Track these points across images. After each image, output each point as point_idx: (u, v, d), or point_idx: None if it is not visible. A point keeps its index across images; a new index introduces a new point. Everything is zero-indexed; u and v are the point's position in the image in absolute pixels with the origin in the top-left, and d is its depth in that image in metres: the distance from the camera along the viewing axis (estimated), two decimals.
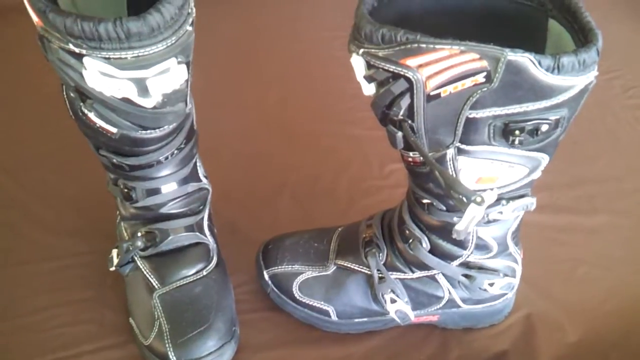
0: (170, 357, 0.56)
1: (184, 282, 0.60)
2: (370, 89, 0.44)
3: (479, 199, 0.41)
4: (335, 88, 0.94)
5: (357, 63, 0.43)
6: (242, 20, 1.13)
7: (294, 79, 0.99)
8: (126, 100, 0.46)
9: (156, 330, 0.58)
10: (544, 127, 0.43)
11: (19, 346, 0.61)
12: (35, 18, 0.44)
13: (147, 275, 0.60)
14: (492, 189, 0.48)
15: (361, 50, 0.42)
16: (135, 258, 0.61)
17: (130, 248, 0.60)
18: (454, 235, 0.45)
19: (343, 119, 0.90)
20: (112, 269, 0.61)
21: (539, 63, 0.38)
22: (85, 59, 0.43)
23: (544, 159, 0.47)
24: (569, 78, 0.40)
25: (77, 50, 0.42)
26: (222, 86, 0.94)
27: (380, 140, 0.48)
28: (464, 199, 0.41)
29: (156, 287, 0.59)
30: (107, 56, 0.42)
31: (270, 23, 1.13)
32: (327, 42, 1.04)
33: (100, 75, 0.43)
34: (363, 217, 0.64)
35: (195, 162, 0.61)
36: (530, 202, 0.51)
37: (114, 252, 0.62)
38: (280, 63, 1.03)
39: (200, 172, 0.62)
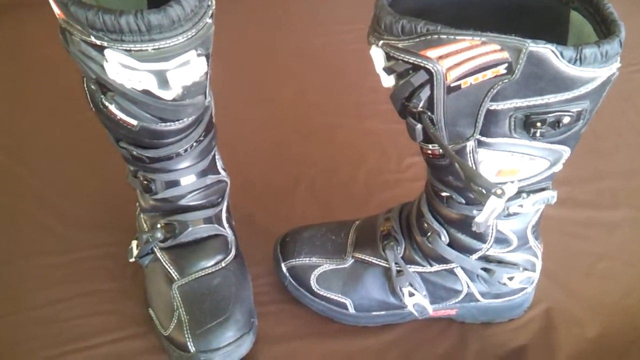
0: (190, 347, 0.56)
1: (203, 274, 0.60)
2: (390, 80, 0.43)
3: (499, 191, 0.40)
4: (353, 81, 0.94)
5: (377, 55, 0.43)
6: (259, 14, 1.13)
7: (311, 72, 0.99)
8: (146, 93, 0.46)
9: (175, 320, 0.58)
10: (566, 119, 0.42)
11: (39, 337, 0.62)
12: (57, 10, 0.44)
13: (167, 267, 0.60)
14: (512, 182, 0.48)
15: (381, 42, 0.42)
16: (155, 249, 0.61)
17: (150, 239, 0.60)
18: (474, 228, 0.45)
19: (360, 112, 0.90)
20: (132, 260, 0.62)
21: (561, 54, 0.38)
22: (106, 51, 0.43)
23: (566, 151, 0.46)
24: (591, 70, 0.39)
25: (98, 42, 0.42)
26: (239, 80, 0.94)
27: (398, 134, 0.48)
28: (484, 191, 0.41)
29: (175, 278, 0.60)
30: (128, 48, 0.43)
31: (287, 17, 1.13)
32: (344, 35, 1.04)
33: (121, 67, 0.44)
34: (381, 211, 0.64)
35: (214, 155, 0.61)
36: (551, 195, 0.51)
37: (134, 243, 0.62)
38: (297, 57, 1.03)
39: (219, 164, 0.63)
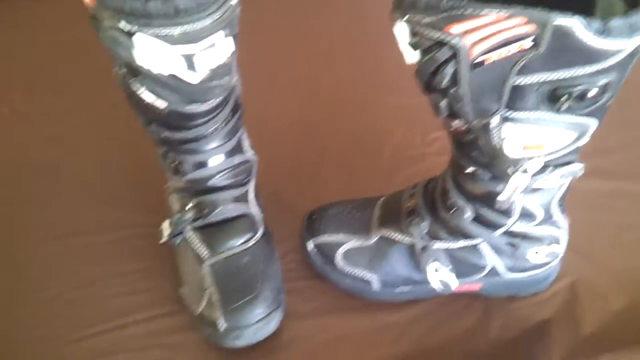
0: (219, 325, 0.58)
1: (232, 253, 0.61)
2: (415, 56, 0.44)
3: (524, 167, 0.41)
4: (378, 57, 0.94)
5: (401, 30, 0.43)
6: None
7: (336, 48, 0.98)
8: (174, 76, 0.47)
9: (206, 299, 0.59)
10: (592, 92, 0.42)
11: (75, 315, 0.64)
12: None
13: (197, 246, 0.62)
14: (538, 157, 0.48)
15: (405, 18, 0.42)
16: (186, 229, 0.62)
17: (181, 220, 0.61)
18: (498, 205, 0.45)
19: (387, 87, 0.90)
20: (163, 240, 0.63)
21: (588, 26, 0.38)
22: (135, 36, 0.44)
23: (593, 124, 0.46)
24: (619, 41, 0.39)
25: (127, 27, 0.43)
26: (264, 58, 0.94)
27: (423, 109, 0.48)
28: (509, 167, 0.41)
29: (205, 257, 0.61)
30: (156, 32, 0.43)
31: None
32: (374, 8, 1.03)
33: (150, 51, 0.44)
34: (407, 185, 0.65)
35: (241, 134, 0.62)
36: (578, 167, 0.51)
37: (165, 224, 0.64)
38: (323, 32, 1.02)
39: (246, 144, 0.63)
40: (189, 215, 0.61)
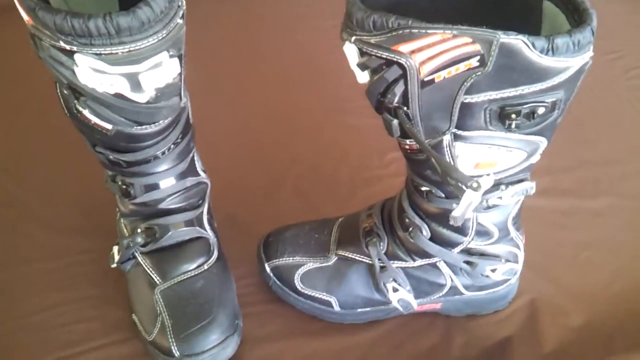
0: (174, 351, 0.56)
1: (185, 277, 0.60)
2: (364, 76, 0.43)
3: (475, 185, 0.40)
4: (335, 78, 0.93)
5: (350, 51, 0.43)
6: (242, 13, 1.12)
7: (293, 69, 0.99)
8: (119, 96, 0.46)
9: (159, 325, 0.58)
10: (541, 110, 0.42)
11: (24, 345, 0.62)
12: (25, 16, 0.43)
13: (148, 271, 0.60)
14: (489, 174, 0.48)
15: (353, 38, 0.41)
16: (136, 254, 0.61)
17: (131, 244, 0.59)
18: (451, 222, 0.45)
19: (342, 108, 0.90)
20: (114, 265, 0.61)
21: (533, 45, 0.38)
22: (76, 56, 0.42)
23: (542, 142, 0.46)
24: (564, 59, 0.39)
25: (67, 47, 0.42)
26: (221, 79, 0.94)
27: (379, 129, 0.48)
28: (460, 185, 0.41)
29: (158, 282, 0.59)
30: (98, 52, 0.42)
31: (270, 13, 1.13)
32: (327, 31, 1.03)
33: (92, 71, 0.43)
34: (364, 207, 0.64)
35: (193, 157, 0.61)
36: (530, 186, 0.51)
37: (115, 249, 0.62)
38: (280, 53, 1.02)
39: (198, 166, 0.62)
40: (139, 239, 0.59)
